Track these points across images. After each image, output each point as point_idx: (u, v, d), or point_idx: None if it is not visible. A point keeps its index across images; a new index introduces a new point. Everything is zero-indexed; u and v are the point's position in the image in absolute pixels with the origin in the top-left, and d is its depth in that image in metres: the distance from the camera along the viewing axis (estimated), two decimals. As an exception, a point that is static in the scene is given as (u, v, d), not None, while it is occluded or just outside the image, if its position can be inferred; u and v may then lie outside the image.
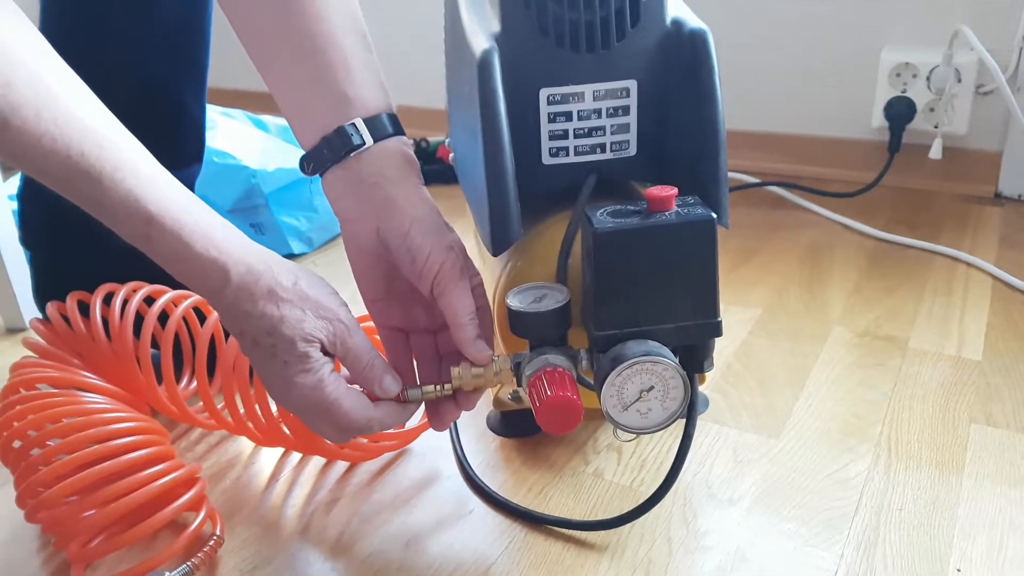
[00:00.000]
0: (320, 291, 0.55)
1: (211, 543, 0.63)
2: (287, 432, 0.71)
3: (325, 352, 0.55)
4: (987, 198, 1.31)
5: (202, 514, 0.64)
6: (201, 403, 0.75)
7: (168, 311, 0.76)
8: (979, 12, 1.23)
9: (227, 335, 0.75)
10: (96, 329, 0.73)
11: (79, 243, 0.85)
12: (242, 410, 0.72)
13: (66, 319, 0.75)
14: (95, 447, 0.62)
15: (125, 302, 0.75)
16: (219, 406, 0.74)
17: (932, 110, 1.29)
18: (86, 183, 0.47)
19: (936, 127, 1.29)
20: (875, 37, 1.32)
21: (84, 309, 0.76)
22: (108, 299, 0.76)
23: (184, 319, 0.80)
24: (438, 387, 0.60)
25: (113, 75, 0.81)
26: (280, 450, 0.77)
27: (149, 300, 0.77)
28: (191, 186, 0.91)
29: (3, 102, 0.43)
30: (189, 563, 0.61)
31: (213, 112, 1.22)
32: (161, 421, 0.79)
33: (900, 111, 1.30)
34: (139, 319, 0.74)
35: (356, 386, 0.57)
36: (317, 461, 0.75)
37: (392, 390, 0.58)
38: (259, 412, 0.71)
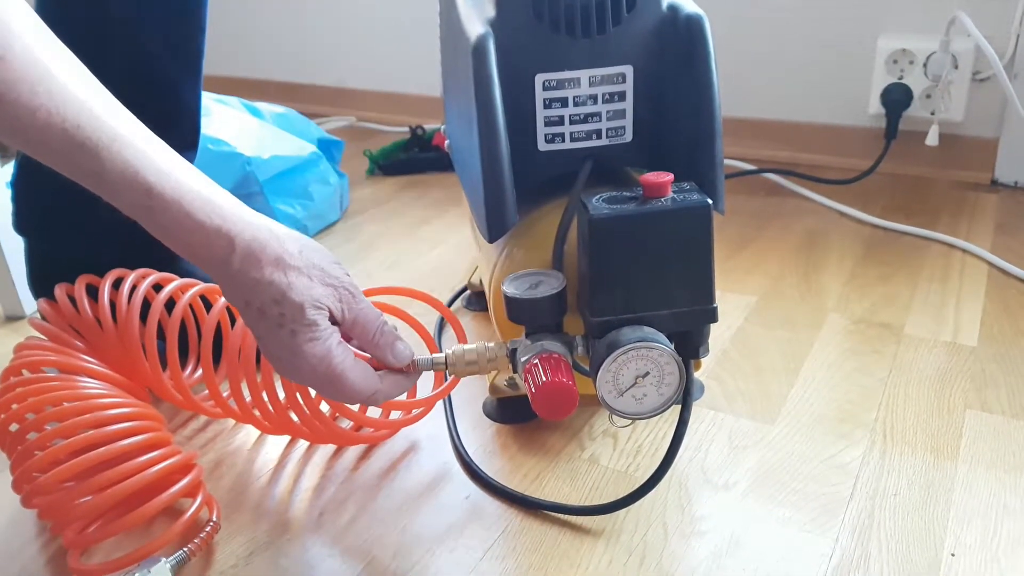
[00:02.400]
0: (325, 259, 0.55)
1: (207, 529, 0.63)
2: (295, 419, 0.71)
3: (333, 321, 0.55)
4: (983, 185, 1.31)
5: (199, 500, 0.64)
6: (206, 391, 0.75)
7: (175, 299, 0.76)
8: (976, -2, 1.23)
9: (232, 320, 0.75)
10: (103, 314, 0.73)
11: (73, 230, 0.85)
12: (248, 398, 0.72)
13: (73, 302, 0.75)
14: (91, 432, 0.62)
15: (133, 288, 0.75)
16: (224, 394, 0.74)
17: (929, 97, 1.29)
18: (84, 156, 0.47)
19: (933, 114, 1.29)
20: (872, 24, 1.32)
21: (92, 293, 0.75)
22: (117, 284, 0.75)
23: (191, 307, 0.80)
24: (443, 355, 0.61)
25: (110, 62, 0.81)
26: (277, 437, 0.77)
27: (156, 287, 0.77)
28: None
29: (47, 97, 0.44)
30: (186, 549, 0.61)
31: (208, 99, 1.21)
32: (165, 409, 0.80)
33: (897, 98, 1.30)
34: (146, 306, 0.74)
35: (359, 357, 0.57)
36: (311, 447, 0.75)
37: (405, 356, 0.58)
38: (266, 399, 0.71)
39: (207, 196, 0.50)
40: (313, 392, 0.68)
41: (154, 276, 0.77)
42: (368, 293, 0.72)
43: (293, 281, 0.52)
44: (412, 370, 0.60)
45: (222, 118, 1.18)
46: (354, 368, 0.55)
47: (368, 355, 0.59)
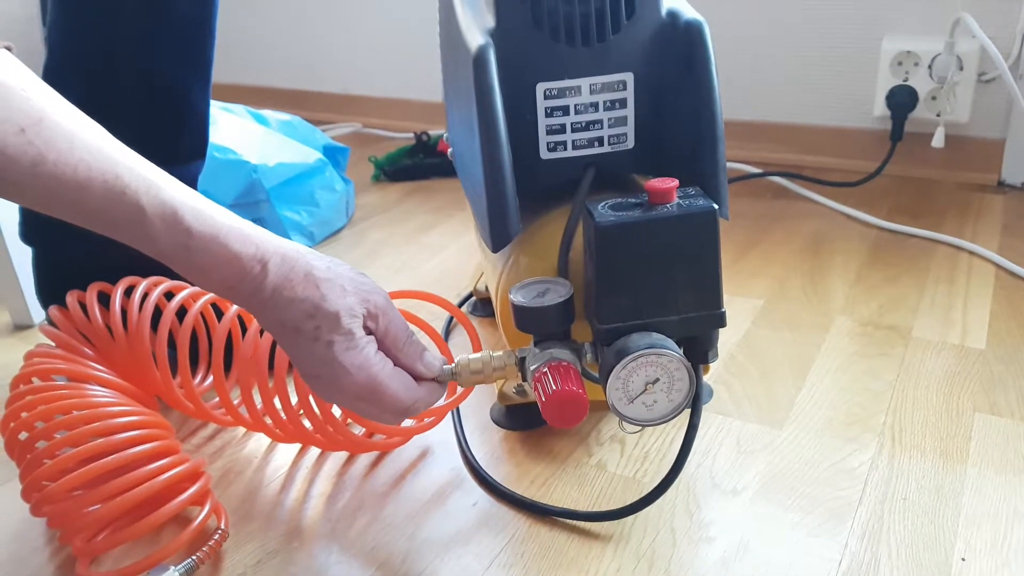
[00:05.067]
0: (353, 272, 0.56)
1: (216, 537, 0.63)
2: (308, 426, 0.71)
3: (367, 331, 0.55)
4: (990, 186, 1.31)
5: (207, 508, 0.64)
6: (216, 399, 0.75)
7: (187, 307, 0.76)
8: (980, 0, 1.22)
9: (244, 328, 0.75)
10: (115, 322, 0.73)
11: (80, 239, 0.85)
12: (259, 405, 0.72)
13: (85, 310, 0.75)
14: (99, 441, 0.62)
15: (145, 296, 0.75)
16: (234, 403, 0.74)
17: (934, 99, 1.29)
18: (125, 205, 0.48)
19: (938, 115, 1.29)
20: (876, 26, 1.32)
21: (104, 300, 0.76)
22: (129, 292, 0.76)
23: (202, 315, 0.80)
24: (452, 367, 0.61)
25: (122, 71, 0.82)
26: (286, 446, 0.77)
27: (168, 295, 0.77)
28: (195, 182, 0.91)
29: (38, 139, 0.45)
30: (194, 557, 0.61)
31: (214, 107, 1.22)
32: (174, 418, 0.80)
33: (902, 100, 1.29)
34: (157, 314, 0.75)
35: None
36: (319, 456, 0.75)
37: (435, 366, 0.59)
38: (279, 407, 0.71)
39: (238, 228, 0.52)
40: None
41: (166, 284, 0.77)
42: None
43: (326, 293, 0.53)
44: (440, 379, 0.61)
45: (228, 126, 1.19)
46: (394, 377, 0.56)
47: None
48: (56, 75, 0.82)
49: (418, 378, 0.58)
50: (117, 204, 0.48)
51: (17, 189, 0.46)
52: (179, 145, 0.87)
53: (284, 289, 0.52)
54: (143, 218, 0.48)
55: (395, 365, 0.57)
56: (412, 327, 0.73)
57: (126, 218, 0.48)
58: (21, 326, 1.01)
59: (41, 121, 0.45)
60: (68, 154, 0.46)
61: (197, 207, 0.50)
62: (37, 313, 1.00)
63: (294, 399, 0.70)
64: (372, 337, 0.55)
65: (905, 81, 1.30)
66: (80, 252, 0.86)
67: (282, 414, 0.71)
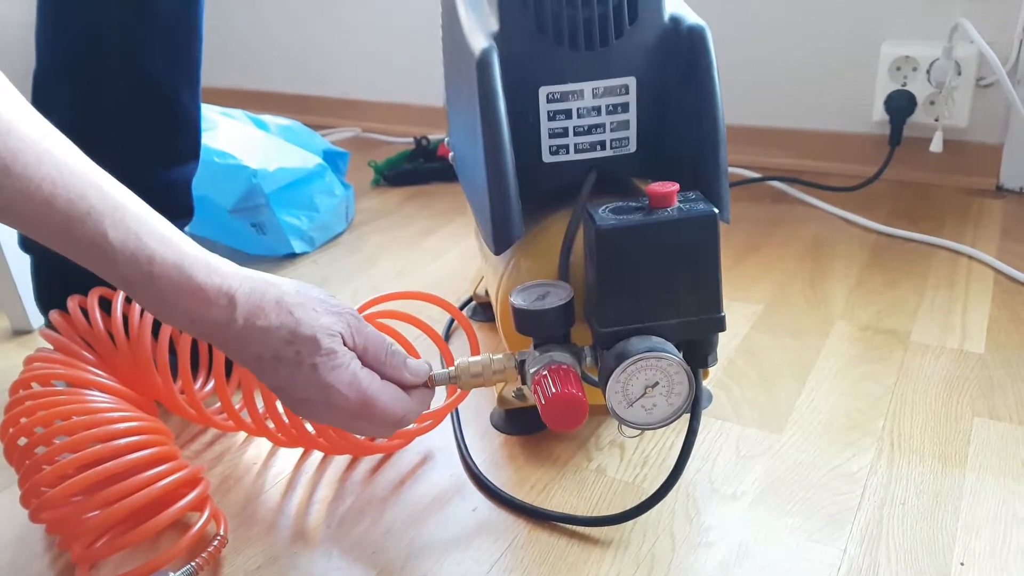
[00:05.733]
0: (321, 293, 0.55)
1: (215, 543, 0.63)
2: (310, 431, 0.71)
3: (348, 347, 0.55)
4: (988, 191, 1.31)
5: (206, 514, 0.64)
6: (217, 405, 0.75)
7: None
8: (978, 5, 1.23)
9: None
10: (116, 327, 0.73)
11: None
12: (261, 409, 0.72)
13: (86, 315, 0.75)
14: (98, 447, 0.62)
15: None
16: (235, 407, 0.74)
17: (933, 103, 1.29)
18: (88, 225, 0.47)
19: (937, 120, 1.29)
20: (875, 31, 1.32)
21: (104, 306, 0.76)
22: (129, 297, 0.76)
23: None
24: (454, 368, 0.61)
25: (109, 71, 0.82)
26: (286, 452, 0.77)
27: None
28: (189, 184, 0.91)
29: (4, 148, 0.44)
30: (193, 563, 0.61)
31: (213, 112, 1.22)
32: (174, 423, 0.80)
33: (900, 105, 1.30)
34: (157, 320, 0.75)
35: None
36: (319, 461, 0.75)
37: (422, 370, 0.59)
38: (281, 411, 0.71)
39: (205, 259, 0.51)
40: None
41: None
42: (381, 299, 0.72)
43: (300, 317, 0.52)
44: (431, 384, 0.60)
45: (228, 131, 1.19)
46: (383, 390, 0.55)
47: None
48: (46, 81, 0.82)
49: (406, 387, 0.58)
50: (81, 225, 0.47)
51: None
52: (171, 147, 0.87)
53: (257, 319, 0.51)
54: (105, 241, 0.47)
55: (381, 378, 0.57)
56: (416, 331, 0.73)
57: (88, 240, 0.47)
58: (20, 332, 1.01)
59: (9, 132, 0.44)
60: (35, 168, 0.45)
61: (164, 235, 0.49)
62: (36, 319, 1.00)
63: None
64: (354, 353, 0.55)
65: (904, 86, 1.30)
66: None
67: (284, 418, 0.71)
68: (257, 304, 0.51)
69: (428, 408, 0.61)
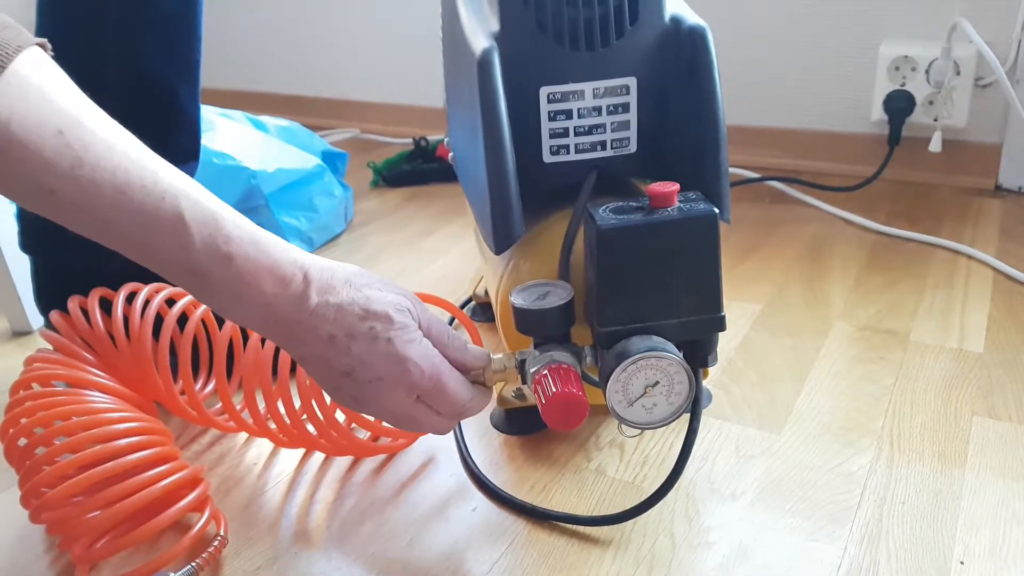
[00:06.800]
0: (381, 277, 0.56)
1: (215, 544, 0.63)
2: (312, 431, 0.71)
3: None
4: (987, 190, 1.31)
5: (206, 515, 0.64)
6: (218, 405, 0.75)
7: (188, 313, 0.76)
8: (977, 5, 1.23)
9: (245, 335, 0.74)
10: (116, 328, 0.73)
11: (79, 248, 0.85)
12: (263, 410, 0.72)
13: (86, 315, 0.75)
14: (98, 447, 0.62)
15: (147, 302, 0.75)
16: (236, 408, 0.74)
17: (931, 103, 1.29)
18: (163, 210, 0.46)
19: (936, 120, 1.29)
20: (873, 31, 1.32)
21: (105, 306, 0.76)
22: (131, 298, 0.76)
23: (203, 321, 0.80)
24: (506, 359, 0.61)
25: (108, 70, 0.82)
26: (286, 453, 0.77)
27: (170, 302, 0.77)
28: None
29: (77, 141, 0.43)
30: (193, 564, 0.61)
31: (212, 113, 1.22)
32: (175, 424, 0.80)
33: (899, 105, 1.30)
34: (159, 321, 0.75)
35: None
36: (320, 462, 0.75)
37: (483, 357, 0.59)
38: (282, 411, 0.71)
39: (274, 237, 0.51)
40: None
41: (168, 291, 0.77)
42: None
43: (369, 295, 0.53)
44: (484, 383, 0.60)
45: (227, 132, 1.19)
46: (452, 371, 0.56)
47: None
48: None
49: (467, 370, 0.58)
50: (155, 210, 0.46)
51: (53, 199, 0.44)
52: (171, 146, 0.87)
53: (330, 295, 0.51)
54: (182, 225, 0.46)
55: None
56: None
57: (166, 226, 0.46)
58: (20, 332, 1.01)
59: (80, 123, 0.44)
60: (107, 158, 0.44)
61: (234, 216, 0.49)
62: (35, 320, 1.00)
63: (297, 403, 0.70)
64: (421, 332, 0.55)
65: (902, 86, 1.30)
66: (78, 261, 0.86)
67: (286, 419, 0.71)
68: (328, 281, 0.51)
69: (486, 403, 0.60)
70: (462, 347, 0.58)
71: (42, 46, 0.48)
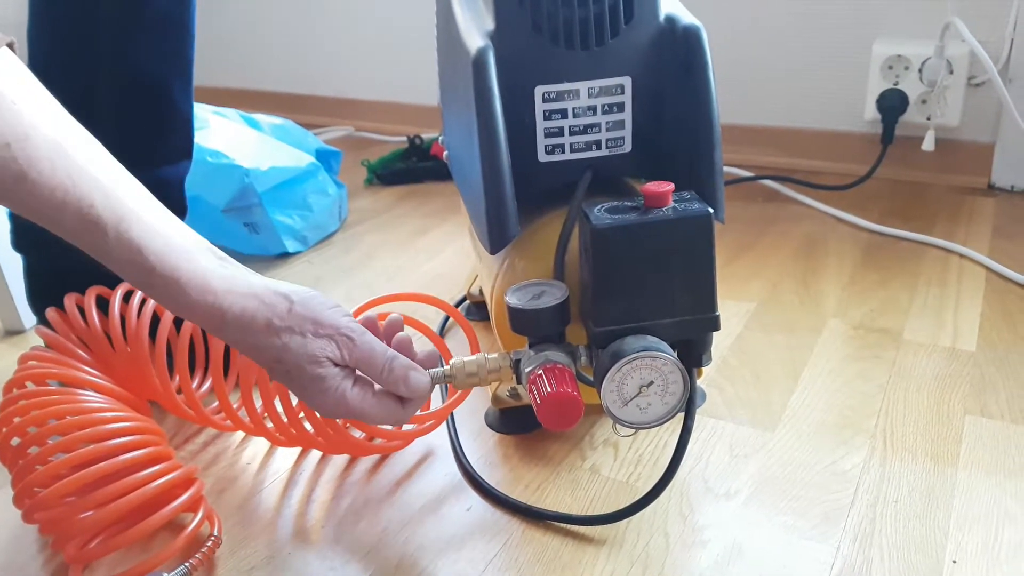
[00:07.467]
0: (316, 309, 0.55)
1: (209, 543, 0.63)
2: (309, 430, 0.71)
3: (342, 364, 0.55)
4: (980, 189, 1.31)
5: (200, 515, 0.64)
6: (215, 404, 0.75)
7: None
8: (970, 4, 1.23)
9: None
10: (113, 327, 0.73)
11: (72, 247, 0.85)
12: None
13: (82, 313, 0.75)
14: (91, 447, 0.62)
15: (143, 301, 0.75)
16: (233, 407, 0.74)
17: (924, 102, 1.29)
18: (95, 236, 0.49)
19: (929, 119, 1.30)
20: (867, 30, 1.32)
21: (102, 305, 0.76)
22: (128, 297, 0.75)
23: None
24: (448, 368, 0.62)
25: (101, 69, 0.82)
26: (281, 453, 0.77)
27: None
28: (182, 183, 0.91)
29: (22, 155, 0.45)
30: (187, 564, 0.61)
31: (206, 111, 1.22)
32: (170, 424, 0.79)
33: (893, 103, 1.30)
34: (155, 320, 0.74)
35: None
36: (313, 460, 0.75)
37: (421, 386, 0.58)
38: (280, 410, 0.71)
39: (203, 273, 0.52)
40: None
41: None
42: (377, 301, 0.72)
43: (287, 342, 0.53)
44: (435, 381, 0.61)
45: (220, 130, 1.18)
46: (373, 405, 0.57)
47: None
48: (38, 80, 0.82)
49: (403, 401, 0.59)
50: (88, 234, 0.49)
51: (1, 199, 0.47)
52: (164, 145, 0.87)
53: (247, 336, 0.53)
54: (109, 251, 0.49)
55: (376, 392, 0.57)
56: (411, 329, 0.73)
57: (96, 248, 0.49)
58: (12, 332, 1.00)
59: (27, 137, 0.45)
60: (49, 175, 0.46)
61: (164, 248, 0.50)
62: (28, 319, 0.99)
63: (294, 401, 0.70)
64: (347, 371, 0.56)
65: (896, 85, 1.30)
66: (72, 260, 0.85)
67: (283, 417, 0.71)
68: (247, 326, 0.53)
69: (421, 405, 0.61)
70: (397, 380, 0.57)
71: (10, 46, 0.48)
